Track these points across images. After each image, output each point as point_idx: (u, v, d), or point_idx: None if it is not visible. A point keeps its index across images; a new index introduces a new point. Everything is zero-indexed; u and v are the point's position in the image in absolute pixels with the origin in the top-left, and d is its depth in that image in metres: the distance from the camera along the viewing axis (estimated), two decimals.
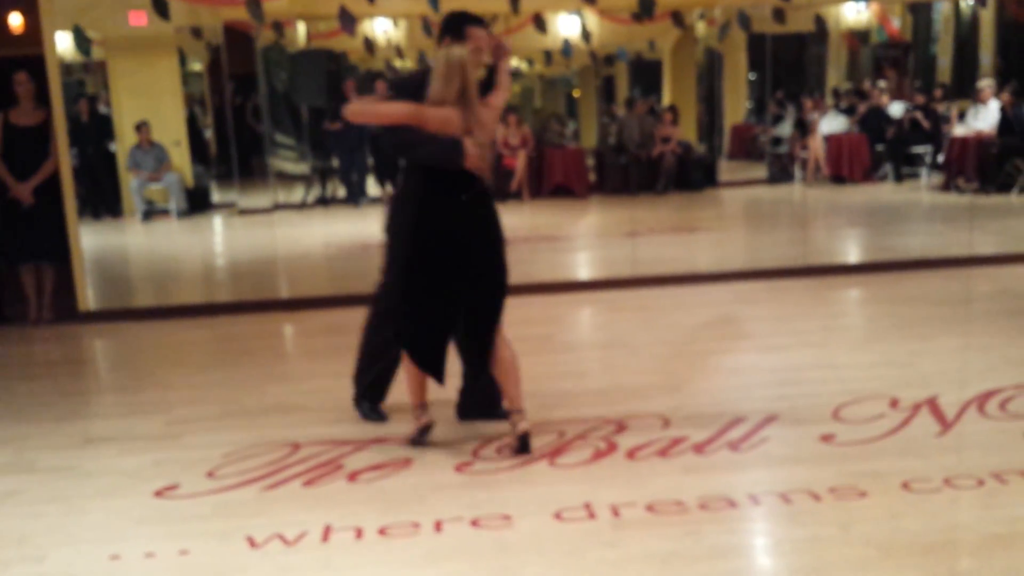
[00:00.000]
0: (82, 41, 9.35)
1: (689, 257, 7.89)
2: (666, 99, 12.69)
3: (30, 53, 6.32)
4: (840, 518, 3.05)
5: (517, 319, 5.96)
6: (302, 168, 12.34)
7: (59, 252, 6.27)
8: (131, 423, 4.29)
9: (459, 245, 3.65)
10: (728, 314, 5.90)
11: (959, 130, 10.57)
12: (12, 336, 6.09)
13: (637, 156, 11.65)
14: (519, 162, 11.61)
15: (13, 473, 3.75)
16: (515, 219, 10.23)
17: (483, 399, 4.04)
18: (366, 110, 4.14)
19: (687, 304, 6.21)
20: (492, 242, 3.77)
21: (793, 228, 8.68)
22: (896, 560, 2.79)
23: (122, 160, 11.27)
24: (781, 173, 11.99)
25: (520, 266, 7.55)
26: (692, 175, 11.86)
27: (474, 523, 3.12)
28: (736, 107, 13.05)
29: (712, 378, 4.62)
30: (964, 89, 11.48)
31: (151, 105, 10.41)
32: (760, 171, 12.20)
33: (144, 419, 4.32)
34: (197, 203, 11.30)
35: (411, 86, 3.72)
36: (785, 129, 12.23)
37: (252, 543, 3.06)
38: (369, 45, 11.77)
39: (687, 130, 12.27)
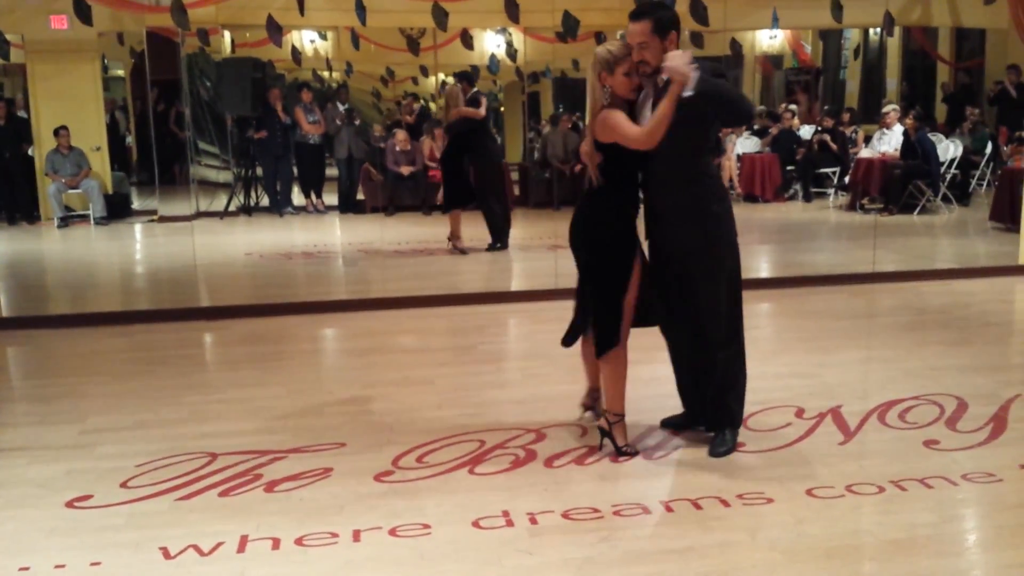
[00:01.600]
0: (1, 44, 9.08)
1: None
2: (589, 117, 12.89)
3: None
4: (748, 524, 3.18)
5: (441, 329, 6.06)
6: (225, 176, 12.15)
7: None
8: (43, 432, 4.18)
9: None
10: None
11: (865, 152, 11.05)
12: None
13: (560, 171, 11.81)
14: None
15: None
16: (441, 230, 10.29)
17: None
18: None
19: None
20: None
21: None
22: (801, 564, 2.91)
23: (40, 165, 10.95)
24: None
25: (443, 277, 7.66)
26: None
27: (392, 532, 3.15)
28: None
29: (628, 388, 4.72)
30: (870, 113, 12.01)
31: (71, 109, 10.16)
32: None
33: (56, 428, 4.22)
34: (117, 209, 11.05)
35: None
36: None
37: (166, 554, 3.03)
38: (296, 55, 11.70)
39: None
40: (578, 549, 3.01)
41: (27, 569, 2.94)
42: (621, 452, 3.77)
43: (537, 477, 3.59)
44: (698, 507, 3.31)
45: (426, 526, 3.18)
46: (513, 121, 13.79)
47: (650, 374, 4.98)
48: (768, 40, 12.66)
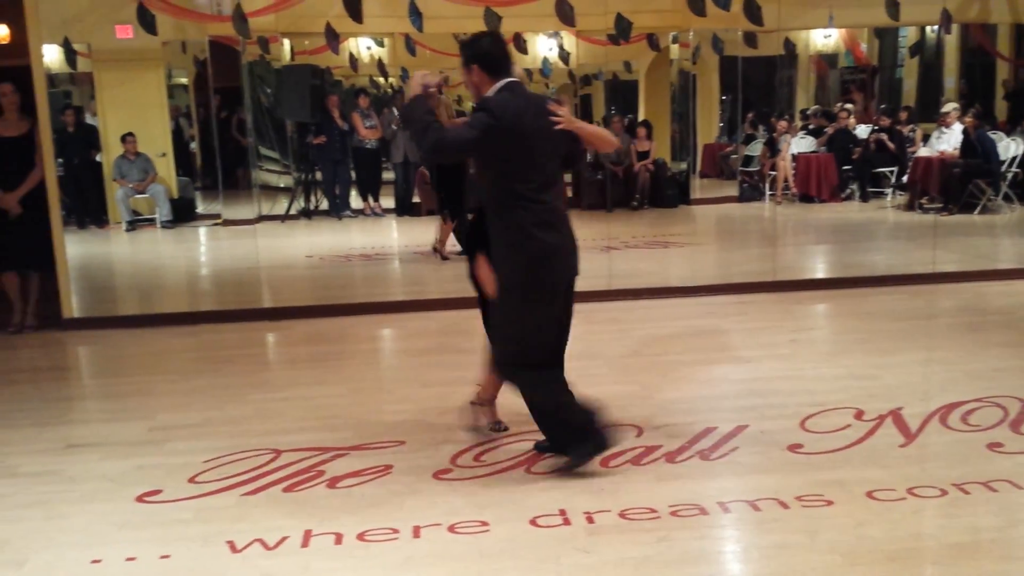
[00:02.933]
0: (69, 53, 9.41)
1: (662, 271, 8.03)
2: (641, 117, 12.89)
3: (16, 64, 6.37)
4: (807, 526, 3.16)
5: None
6: (286, 180, 12.41)
7: (44, 260, 6.31)
8: (114, 429, 4.34)
9: None
10: (700, 327, 6.04)
11: (923, 151, 10.83)
12: None
13: (613, 172, 11.80)
14: None
15: None
16: None
17: None
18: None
19: (660, 317, 6.34)
20: None
21: (762, 244, 8.87)
22: (861, 567, 2.89)
23: (108, 170, 11.30)
24: (751, 191, 12.21)
25: None
26: (666, 192, 12.04)
27: (451, 529, 3.20)
28: (708, 127, 13.25)
29: (684, 389, 4.74)
30: (928, 112, 11.76)
31: (137, 117, 10.45)
32: (731, 189, 12.41)
33: (127, 425, 4.37)
34: (182, 214, 11.34)
35: None
36: (756, 148, 12.46)
37: (233, 548, 3.12)
38: (353, 61, 11.89)
39: (661, 148, 12.46)
40: (635, 548, 3.02)
41: (99, 562, 3.05)
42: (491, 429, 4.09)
43: (594, 477, 3.62)
44: (756, 508, 3.30)
45: (484, 523, 3.23)
46: None
47: (706, 375, 4.98)
48: (823, 39, 12.49)
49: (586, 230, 10.53)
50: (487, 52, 3.55)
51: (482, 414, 4.11)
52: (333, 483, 3.63)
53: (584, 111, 13.43)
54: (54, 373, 5.59)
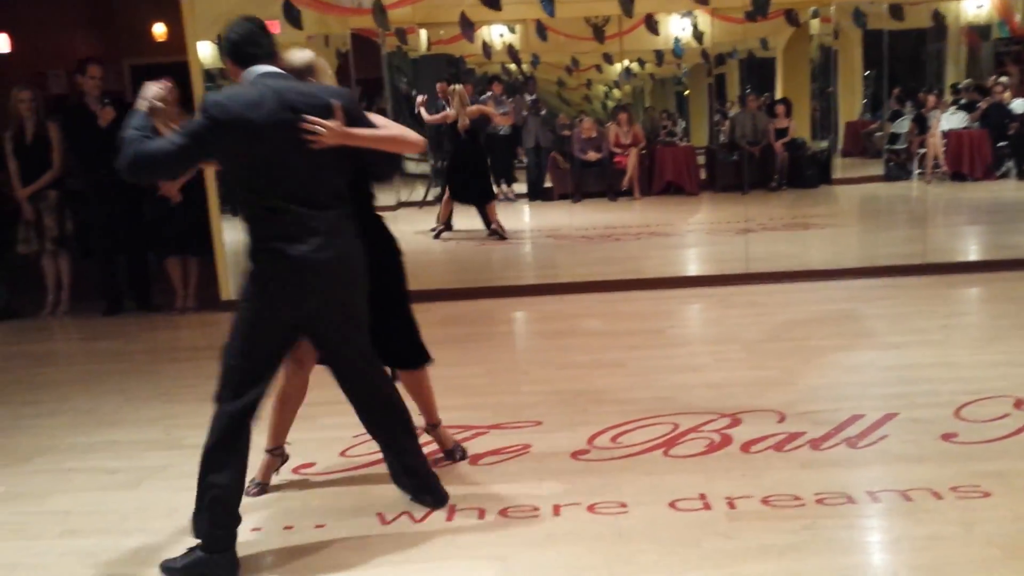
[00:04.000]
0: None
1: (803, 254, 7.80)
2: (779, 95, 12.51)
3: (174, 61, 6.78)
4: (962, 517, 3.03)
5: (630, 313, 6.10)
6: (423, 167, 12.72)
7: (203, 246, 6.73)
8: (269, 404, 4.58)
9: None
10: (843, 311, 5.84)
11: None
12: (160, 323, 6.57)
13: (750, 152, 11.51)
14: (631, 160, 11.65)
15: (163, 449, 4.07)
16: (626, 216, 10.32)
17: None
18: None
19: (801, 301, 6.16)
20: None
21: (911, 225, 8.45)
22: (1021, 562, 2.76)
23: None
24: (898, 170, 11.63)
25: (630, 262, 7.68)
26: (806, 171, 11.65)
27: (591, 509, 3.23)
28: (851, 103, 12.72)
29: (828, 374, 4.60)
30: None
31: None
32: (876, 168, 11.87)
33: None
34: None
35: None
36: (903, 125, 11.87)
37: (382, 519, 3.25)
38: (486, 49, 12.04)
39: (801, 126, 12.06)
40: (779, 536, 2.98)
41: (259, 530, 3.24)
42: (455, 453, 3.78)
43: (734, 462, 3.58)
44: (908, 499, 3.19)
45: (623, 505, 3.25)
46: (698, 104, 13.56)
47: (850, 361, 4.83)
48: (974, 9, 11.73)
49: (720, 212, 10.45)
50: (232, 41, 2.99)
51: (443, 437, 3.83)
52: (475, 460, 3.73)
53: (719, 90, 13.15)
54: (213, 352, 5.87)
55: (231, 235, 6.70)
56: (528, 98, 12.21)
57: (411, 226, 10.57)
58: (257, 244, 2.94)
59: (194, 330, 6.41)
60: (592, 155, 11.71)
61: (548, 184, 12.24)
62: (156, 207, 6.58)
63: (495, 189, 12.13)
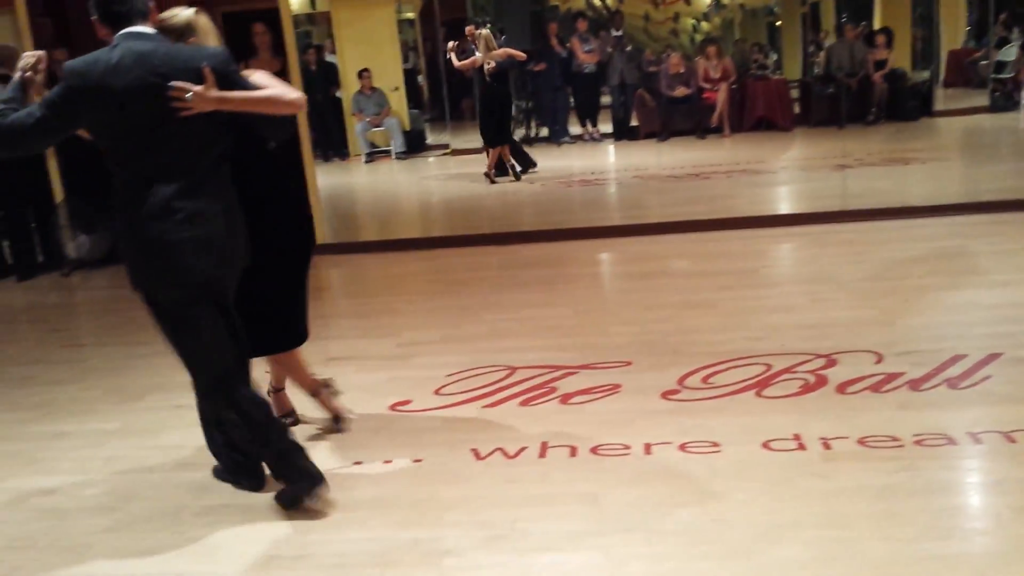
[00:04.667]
0: None
1: (902, 190, 7.52)
2: (877, 24, 11.95)
3: (264, 7, 6.87)
4: None
5: (720, 253, 6.01)
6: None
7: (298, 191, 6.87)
8: (366, 344, 4.73)
9: None
10: (945, 249, 5.63)
11: None
12: None
13: (847, 85, 11.08)
14: (720, 95, 11.36)
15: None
16: (717, 154, 10.11)
17: None
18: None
19: (900, 238, 5.97)
20: None
21: (1018, 159, 8.05)
22: None
23: (347, 105, 12.03)
24: (1005, 100, 11.04)
25: (720, 201, 7.54)
26: (906, 104, 11.18)
27: (682, 448, 3.25)
28: (954, 31, 12.08)
29: (928, 314, 4.47)
30: None
31: (371, 53, 11.02)
32: (981, 99, 11.30)
33: (377, 341, 4.75)
34: (414, 144, 11.93)
35: None
36: (1010, 53, 11.20)
37: (477, 455, 3.34)
38: None
39: (901, 56, 11.53)
40: (876, 476, 2.94)
41: (360, 463, 3.36)
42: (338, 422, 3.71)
43: (829, 403, 3.53)
44: (1011, 440, 3.10)
45: (715, 444, 3.25)
46: (791, 35, 13.07)
47: (953, 300, 4.68)
48: None
49: (816, 148, 10.14)
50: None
51: (280, 401, 3.76)
52: (565, 399, 3.78)
53: (813, 20, 12.65)
54: (313, 294, 6.07)
55: (321, 180, 6.85)
56: (613, 34, 11.97)
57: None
58: (127, 221, 2.77)
59: None
60: (680, 91, 11.46)
61: (634, 123, 12.06)
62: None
63: (580, 129, 12.05)
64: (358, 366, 4.40)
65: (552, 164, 10.56)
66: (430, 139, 12.26)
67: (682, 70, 11.59)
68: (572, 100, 12.16)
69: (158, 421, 3.92)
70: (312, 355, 4.54)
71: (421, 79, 11.34)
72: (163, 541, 2.90)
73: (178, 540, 2.89)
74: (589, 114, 12.19)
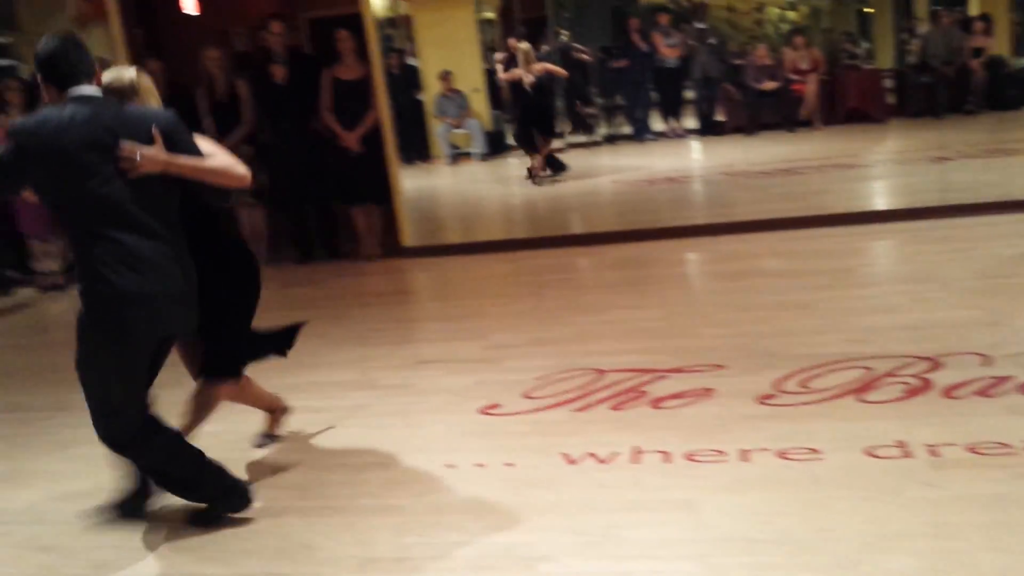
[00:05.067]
0: None
1: (1007, 182, 7.19)
2: (974, 9, 11.48)
3: (347, 12, 6.98)
4: None
5: (814, 251, 5.85)
6: (589, 107, 12.61)
7: (383, 194, 6.99)
8: (454, 347, 4.76)
9: None
10: None
11: None
12: (348, 270, 6.92)
13: (943, 73, 10.67)
14: (809, 87, 11.08)
15: (360, 389, 4.31)
16: (807, 148, 9.86)
17: None
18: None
19: (1006, 234, 5.70)
20: None
21: None
22: None
23: (429, 108, 12.15)
24: None
25: (813, 197, 7.35)
26: (1006, 92, 10.70)
27: (781, 455, 3.17)
28: None
29: None
30: None
31: (452, 55, 11.10)
32: None
33: (464, 344, 4.78)
34: (495, 145, 11.96)
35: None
36: None
37: (568, 459, 3.32)
38: None
39: (1000, 43, 11.04)
40: (987, 485, 2.82)
41: (453, 466, 3.38)
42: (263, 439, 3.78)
43: (935, 407, 3.40)
44: None
45: (815, 451, 3.16)
46: (883, 23, 12.67)
47: None
48: None
49: (912, 140, 9.79)
50: (41, 60, 2.83)
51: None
52: (656, 403, 3.73)
53: (906, 7, 12.23)
54: (398, 297, 6.22)
55: (410, 183, 6.92)
56: (696, 26, 11.79)
57: (579, 167, 10.55)
58: (82, 276, 2.83)
59: (379, 276, 6.71)
60: (767, 84, 11.22)
61: (720, 117, 11.85)
62: (339, 159, 6.88)
63: (663, 125, 11.92)
64: (446, 369, 4.43)
65: (635, 162, 10.47)
66: (511, 140, 12.29)
67: (769, 62, 11.34)
68: (655, 96, 12.02)
69: (257, 423, 4.01)
70: (401, 359, 4.64)
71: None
72: (265, 542, 2.97)
73: (278, 541, 2.96)
74: (672, 110, 12.04)
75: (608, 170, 10.27)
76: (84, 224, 2.80)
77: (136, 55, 7.24)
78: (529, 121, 9.68)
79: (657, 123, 12.13)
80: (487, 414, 3.83)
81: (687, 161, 10.73)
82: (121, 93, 3.00)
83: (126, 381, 2.91)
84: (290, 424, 3.93)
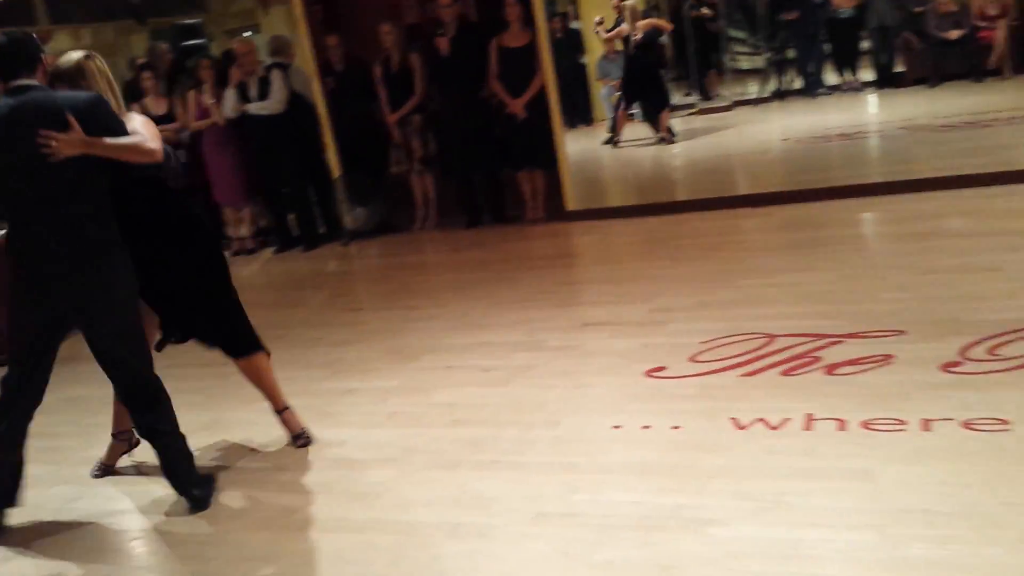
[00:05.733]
0: None
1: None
2: None
3: None
4: None
5: (1003, 211, 5.47)
6: (757, 62, 12.19)
7: (548, 158, 7.06)
8: (619, 310, 4.78)
9: None
10: None
11: None
12: (513, 234, 7.05)
13: (943, 38, 9.61)
14: (999, 34, 10.24)
15: (527, 350, 4.40)
16: (996, 99, 9.15)
17: None
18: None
19: None
20: None
21: None
22: None
23: (591, 72, 12.08)
24: None
25: (1003, 152, 6.83)
26: None
27: (966, 424, 3.02)
28: None
29: None
30: None
31: (613, 16, 10.94)
32: None
33: (630, 307, 4.79)
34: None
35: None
36: None
37: (737, 424, 3.29)
38: None
39: None
40: None
41: (619, 427, 3.42)
42: (300, 439, 3.71)
43: None
44: None
45: (1004, 421, 2.99)
46: None
47: None
48: None
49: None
50: None
51: (290, 422, 3.77)
52: (830, 370, 3.63)
53: None
54: (563, 260, 6.30)
55: (575, 148, 6.94)
56: None
57: (747, 125, 10.25)
58: (11, 258, 3.10)
59: (544, 240, 6.80)
60: (952, 32, 10.45)
61: (899, 68, 11.16)
62: (505, 125, 6.99)
63: (837, 78, 11.35)
64: (612, 332, 4.47)
65: (807, 119, 10.04)
66: (675, 99, 12.04)
67: (953, 8, 10.55)
68: (828, 48, 11.46)
69: (432, 380, 4.21)
70: (566, 321, 4.71)
71: (664, 39, 11.14)
72: (442, 493, 3.13)
73: (455, 492, 3.12)
74: (847, 62, 11.43)
75: (777, 128, 9.91)
76: (15, 210, 3.07)
77: (315, 31, 7.61)
78: (635, 81, 9.77)
79: (831, 76, 11.57)
80: (653, 377, 3.85)
81: (863, 116, 10.18)
82: (67, 77, 3.19)
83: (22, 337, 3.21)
84: (461, 382, 4.10)
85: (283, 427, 3.76)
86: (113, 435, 3.69)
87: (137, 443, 3.73)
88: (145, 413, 3.26)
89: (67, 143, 2.92)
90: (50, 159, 2.92)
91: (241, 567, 2.85)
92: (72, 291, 3.08)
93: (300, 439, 3.72)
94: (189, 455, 3.36)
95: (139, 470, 3.71)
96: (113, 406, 3.63)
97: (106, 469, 3.70)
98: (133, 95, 7.51)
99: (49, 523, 3.39)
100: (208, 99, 7.51)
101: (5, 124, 2.97)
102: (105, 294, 3.11)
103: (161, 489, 3.40)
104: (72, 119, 2.92)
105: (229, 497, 3.36)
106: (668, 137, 9.84)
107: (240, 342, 3.61)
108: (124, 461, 3.75)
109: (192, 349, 3.66)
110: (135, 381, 3.24)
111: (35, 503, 3.44)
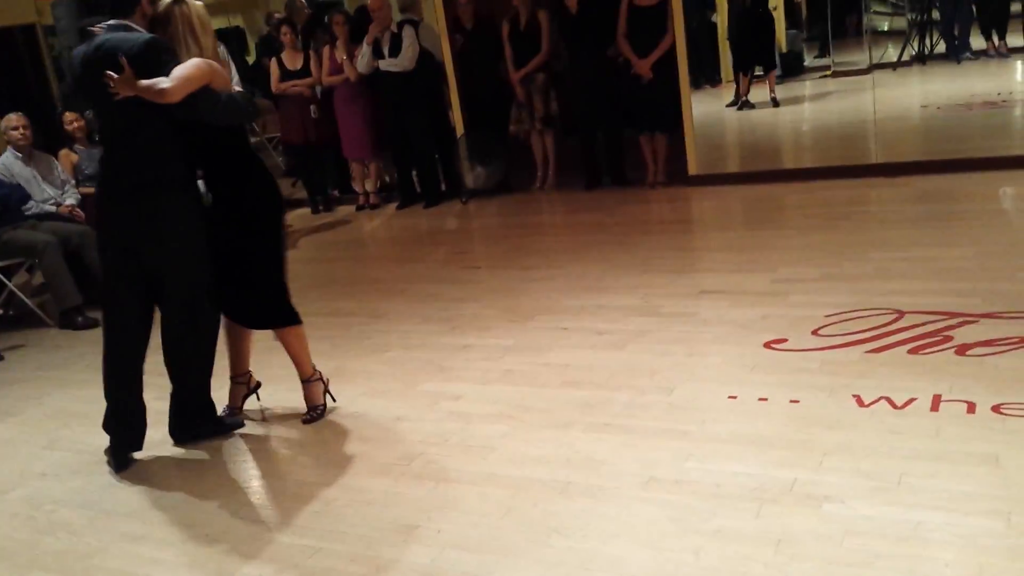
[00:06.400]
0: None
1: None
2: None
3: None
4: None
5: None
6: (899, 24, 11.57)
7: (671, 121, 6.93)
8: (739, 279, 4.70)
9: None
10: None
11: None
12: (632, 197, 6.99)
13: None
14: None
15: (642, 315, 4.39)
16: None
17: None
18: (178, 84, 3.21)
19: None
20: None
21: None
22: None
23: (722, 31, 11.74)
24: None
25: None
26: None
27: None
28: None
29: None
30: None
31: None
32: None
33: (751, 276, 4.70)
34: (791, 67, 11.36)
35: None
36: None
37: (860, 402, 3.20)
38: None
39: None
40: None
41: (735, 398, 3.38)
42: (312, 411, 3.73)
43: None
44: None
45: None
46: None
47: None
48: None
49: None
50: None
51: (312, 394, 3.80)
52: (962, 350, 3.48)
53: None
54: (682, 226, 6.21)
55: (700, 110, 6.80)
56: None
57: (884, 90, 9.76)
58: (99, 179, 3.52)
59: (663, 204, 6.72)
60: None
61: None
62: (631, 86, 6.90)
63: (984, 43, 10.66)
64: (731, 301, 4.40)
65: (949, 86, 9.51)
66: (808, 61, 11.57)
67: None
68: (976, 10, 10.76)
69: (546, 340, 4.25)
70: (683, 288, 4.66)
71: None
72: (554, 451, 3.18)
73: (566, 452, 3.16)
74: (997, 25, 10.70)
75: (917, 94, 9.43)
76: (102, 136, 3.71)
77: None
78: (745, 37, 9.41)
79: (977, 40, 10.87)
80: (772, 349, 3.78)
81: (1011, 83, 9.57)
82: (159, 22, 3.37)
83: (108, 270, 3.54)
84: (575, 343, 4.12)
85: (304, 397, 3.79)
86: (231, 378, 3.85)
87: (258, 385, 3.91)
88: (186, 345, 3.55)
89: (122, 83, 3.11)
90: (114, 97, 3.15)
91: (362, 511, 2.98)
92: (126, 225, 3.35)
93: (312, 412, 3.76)
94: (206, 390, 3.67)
95: (264, 416, 3.91)
96: (227, 349, 3.78)
97: (232, 411, 3.87)
98: (270, 49, 7.75)
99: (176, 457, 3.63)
100: (341, 55, 7.69)
101: (85, 63, 3.30)
102: (155, 232, 3.34)
103: (286, 431, 3.58)
104: (124, 61, 3.09)
105: (351, 444, 3.50)
106: (773, 102, 9.52)
107: (279, 317, 3.67)
108: (252, 403, 3.95)
109: (319, 299, 3.81)
110: (183, 327, 3.48)
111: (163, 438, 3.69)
